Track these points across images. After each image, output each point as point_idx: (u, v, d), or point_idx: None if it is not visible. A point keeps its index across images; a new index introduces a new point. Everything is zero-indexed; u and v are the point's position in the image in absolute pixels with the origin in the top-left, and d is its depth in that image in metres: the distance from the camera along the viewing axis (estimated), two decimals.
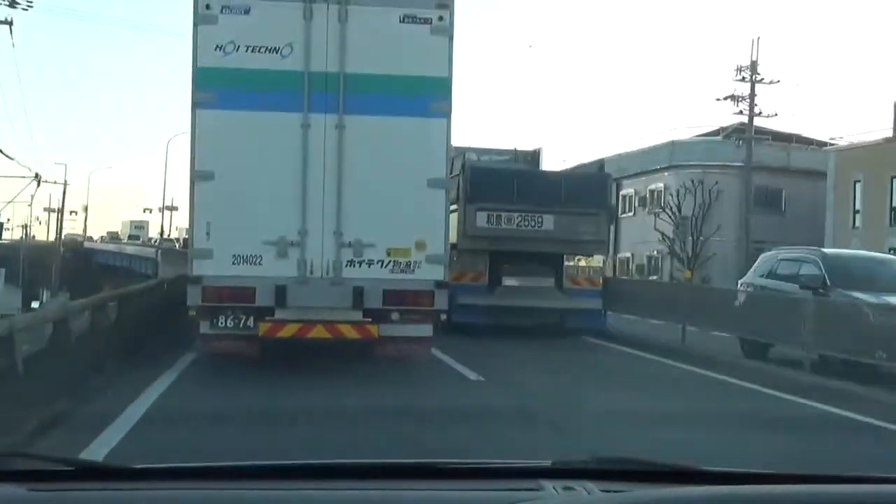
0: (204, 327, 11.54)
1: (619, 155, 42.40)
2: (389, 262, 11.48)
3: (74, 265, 61.69)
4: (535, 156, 21.98)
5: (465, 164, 18.37)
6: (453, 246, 15.87)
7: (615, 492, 2.33)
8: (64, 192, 67.71)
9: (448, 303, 12.07)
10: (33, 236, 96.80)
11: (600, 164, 21.38)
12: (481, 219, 17.85)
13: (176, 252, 41.44)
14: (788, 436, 9.15)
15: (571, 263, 18.76)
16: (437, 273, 11.58)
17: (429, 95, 11.45)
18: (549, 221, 18.10)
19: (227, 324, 11.41)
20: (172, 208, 72.49)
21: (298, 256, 11.39)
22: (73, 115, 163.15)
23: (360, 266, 11.45)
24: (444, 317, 11.94)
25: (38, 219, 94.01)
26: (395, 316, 11.58)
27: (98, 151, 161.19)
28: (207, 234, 11.27)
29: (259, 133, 11.32)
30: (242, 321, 11.41)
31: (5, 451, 3.55)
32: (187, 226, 12.53)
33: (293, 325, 11.40)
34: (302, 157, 11.33)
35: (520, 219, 18.01)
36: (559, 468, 2.52)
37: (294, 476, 2.48)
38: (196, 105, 11.32)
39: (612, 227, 20.95)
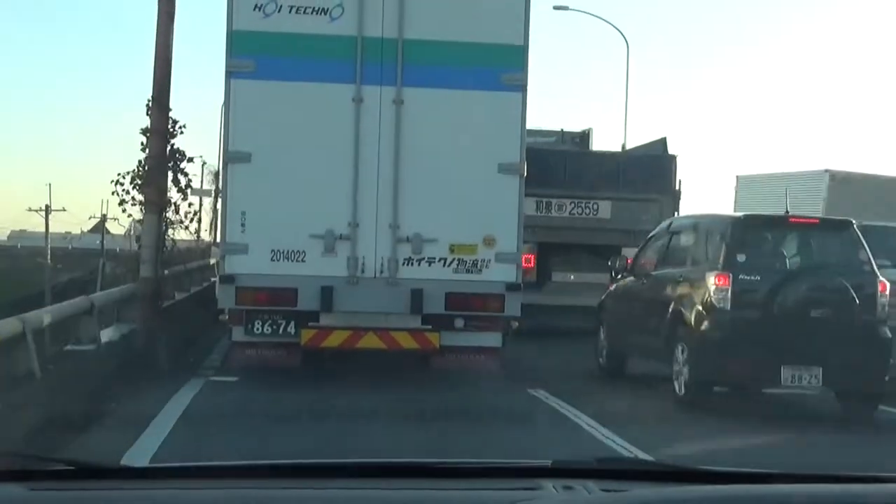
0: (237, 334, 10.79)
1: None
2: (453, 260, 10.73)
3: None
4: (584, 137, 20.61)
5: None
6: None
7: (615, 491, 2.43)
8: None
9: None
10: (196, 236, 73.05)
11: (663, 143, 19.63)
12: (529, 206, 16.45)
13: None
14: None
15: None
16: (509, 274, 10.79)
17: (501, 66, 10.65)
18: (605, 209, 16.71)
19: (265, 330, 10.71)
20: None
21: (348, 253, 10.62)
22: None
23: (419, 265, 10.73)
24: (515, 324, 10.84)
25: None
26: (458, 323, 10.86)
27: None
28: (242, 225, 10.60)
29: (304, 108, 10.62)
30: (282, 327, 10.74)
31: (5, 450, 3.67)
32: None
33: (341, 333, 10.72)
34: (354, 137, 10.56)
35: (573, 206, 16.61)
36: (559, 468, 2.65)
37: (294, 475, 2.60)
38: (231, 74, 10.56)
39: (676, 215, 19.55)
